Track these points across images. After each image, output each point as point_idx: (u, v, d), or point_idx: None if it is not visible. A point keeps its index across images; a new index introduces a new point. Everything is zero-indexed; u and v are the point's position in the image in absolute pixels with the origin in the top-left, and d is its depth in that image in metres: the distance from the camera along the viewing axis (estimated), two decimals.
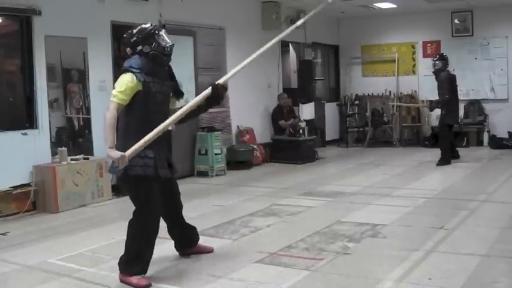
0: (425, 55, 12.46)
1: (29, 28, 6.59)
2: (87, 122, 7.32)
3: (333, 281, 3.91)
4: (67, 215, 6.35)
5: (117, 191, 7.33)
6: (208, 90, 3.97)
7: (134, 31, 3.99)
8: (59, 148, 6.75)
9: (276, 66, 11.15)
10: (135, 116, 3.87)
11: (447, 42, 12.28)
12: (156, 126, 3.79)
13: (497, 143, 11.28)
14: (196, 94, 8.84)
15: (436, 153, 9.34)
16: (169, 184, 4.18)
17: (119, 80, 3.90)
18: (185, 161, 8.74)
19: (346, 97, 13.34)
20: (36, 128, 6.66)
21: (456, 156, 9.42)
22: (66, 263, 4.45)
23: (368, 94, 12.86)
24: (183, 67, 8.72)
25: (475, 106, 11.97)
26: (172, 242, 4.57)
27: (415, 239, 4.86)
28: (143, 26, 4.01)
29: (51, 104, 6.88)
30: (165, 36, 4.02)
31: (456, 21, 12.17)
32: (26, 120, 6.70)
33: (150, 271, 4.14)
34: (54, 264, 4.44)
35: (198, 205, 6.64)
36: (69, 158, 6.76)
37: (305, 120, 10.60)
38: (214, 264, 4.30)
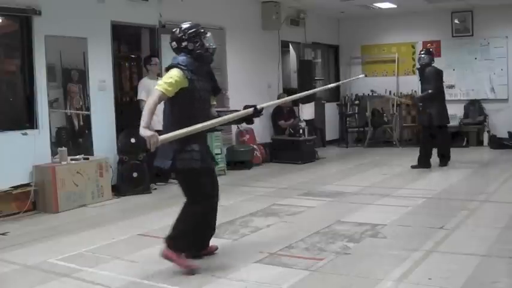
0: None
1: (29, 28, 6.60)
2: (87, 122, 7.32)
3: (333, 281, 3.91)
4: (67, 215, 6.35)
5: (117, 191, 7.34)
6: (250, 111, 4.33)
7: (183, 27, 4.21)
8: (59, 148, 6.76)
9: (276, 66, 11.15)
10: (180, 112, 4.07)
11: (447, 42, 12.28)
12: (199, 122, 4.03)
13: (497, 143, 11.28)
14: None
15: (435, 153, 9.31)
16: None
17: (167, 74, 4.09)
18: None
19: (346, 97, 13.34)
20: (36, 128, 6.66)
21: (427, 165, 8.76)
22: (66, 263, 4.45)
23: (368, 94, 12.86)
24: None
25: (475, 106, 11.97)
26: None
27: (415, 239, 4.86)
28: (191, 25, 4.23)
29: (51, 104, 6.88)
30: (211, 39, 4.25)
31: (456, 21, 12.17)
32: (26, 120, 6.70)
33: (150, 271, 4.15)
34: (54, 264, 4.44)
35: None
36: (69, 158, 6.76)
37: (305, 120, 10.60)
38: (214, 264, 4.30)
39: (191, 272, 4.07)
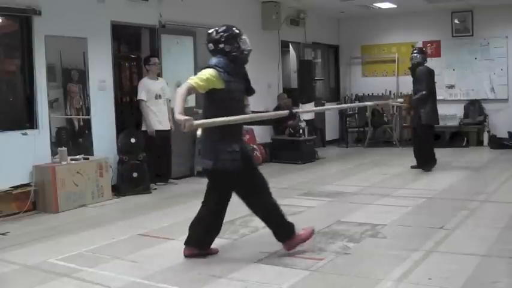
0: (425, 55, 12.44)
1: (29, 28, 6.59)
2: (87, 122, 7.32)
3: (333, 281, 3.91)
4: (67, 215, 6.35)
5: (117, 191, 7.34)
6: (285, 113, 4.60)
7: (220, 30, 4.30)
8: (59, 148, 6.76)
9: (276, 66, 11.15)
10: (216, 112, 4.16)
11: (447, 42, 12.29)
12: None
13: (497, 143, 11.28)
14: (197, 94, 8.92)
15: (436, 153, 9.32)
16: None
17: (202, 70, 4.22)
18: (185, 161, 8.75)
19: (346, 97, 13.34)
20: (36, 128, 6.66)
21: (434, 162, 8.62)
22: (66, 263, 4.45)
23: (368, 94, 12.86)
24: (183, 67, 8.74)
25: (475, 106, 11.97)
26: (173, 242, 4.57)
27: (415, 239, 4.86)
28: (228, 27, 4.33)
29: (51, 104, 6.88)
30: (246, 41, 4.34)
31: (456, 21, 12.17)
32: (26, 120, 6.70)
33: (150, 271, 4.15)
34: (54, 264, 4.44)
35: (198, 205, 6.61)
36: (69, 158, 6.76)
37: (305, 120, 10.60)
38: (214, 264, 4.30)
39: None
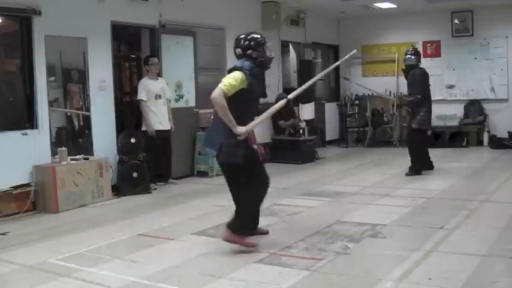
0: (425, 55, 12.39)
1: (29, 28, 6.59)
2: (87, 122, 7.32)
3: (333, 281, 3.91)
4: (67, 215, 6.35)
5: (117, 191, 7.34)
6: (283, 102, 4.87)
7: (248, 37, 4.68)
8: (59, 148, 6.75)
9: (276, 66, 11.14)
10: (237, 109, 4.43)
11: (447, 42, 12.29)
12: (252, 119, 4.63)
13: (497, 143, 11.28)
14: (197, 94, 8.94)
15: (435, 153, 9.31)
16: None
17: (232, 74, 4.52)
18: (185, 161, 8.75)
19: (346, 97, 13.34)
20: (36, 128, 6.66)
21: (430, 167, 8.46)
22: (66, 263, 4.45)
23: (368, 94, 12.85)
24: (183, 67, 8.74)
25: (475, 106, 11.97)
26: (173, 242, 4.56)
27: (415, 239, 4.86)
28: (255, 35, 4.72)
29: (51, 104, 6.88)
30: (270, 48, 4.74)
31: (456, 21, 12.17)
32: (26, 120, 6.69)
33: (151, 271, 4.15)
34: (54, 264, 4.44)
35: (198, 205, 6.64)
36: (69, 158, 6.76)
37: (305, 120, 10.59)
38: (214, 264, 4.30)
39: (253, 247, 4.56)
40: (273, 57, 4.79)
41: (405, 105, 8.55)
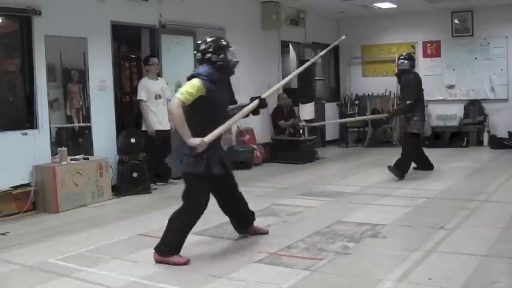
0: (425, 55, 12.47)
1: (29, 28, 6.59)
2: (87, 122, 7.32)
3: (333, 281, 3.91)
4: (67, 215, 6.35)
5: (117, 191, 7.34)
6: (256, 103, 4.64)
7: (208, 40, 4.52)
8: (59, 148, 6.76)
9: (276, 66, 11.15)
10: (198, 117, 4.31)
11: (447, 42, 12.29)
12: (217, 127, 4.37)
13: (497, 143, 11.28)
14: None
15: (435, 153, 9.34)
16: (224, 179, 4.63)
17: (189, 82, 4.35)
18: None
19: (346, 97, 13.34)
20: (36, 128, 6.66)
21: (430, 167, 8.53)
22: (66, 263, 4.45)
23: (368, 94, 12.86)
24: (183, 67, 8.73)
25: (475, 106, 11.97)
26: None
27: (415, 239, 4.86)
28: (216, 39, 4.55)
29: (51, 104, 6.88)
30: (234, 53, 4.54)
31: (456, 21, 12.17)
32: (26, 120, 6.70)
33: (151, 271, 4.15)
34: (54, 264, 4.44)
35: None
36: (69, 158, 6.76)
37: (305, 120, 10.59)
38: (215, 264, 4.30)
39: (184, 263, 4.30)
40: (237, 62, 4.56)
41: (395, 115, 8.38)
